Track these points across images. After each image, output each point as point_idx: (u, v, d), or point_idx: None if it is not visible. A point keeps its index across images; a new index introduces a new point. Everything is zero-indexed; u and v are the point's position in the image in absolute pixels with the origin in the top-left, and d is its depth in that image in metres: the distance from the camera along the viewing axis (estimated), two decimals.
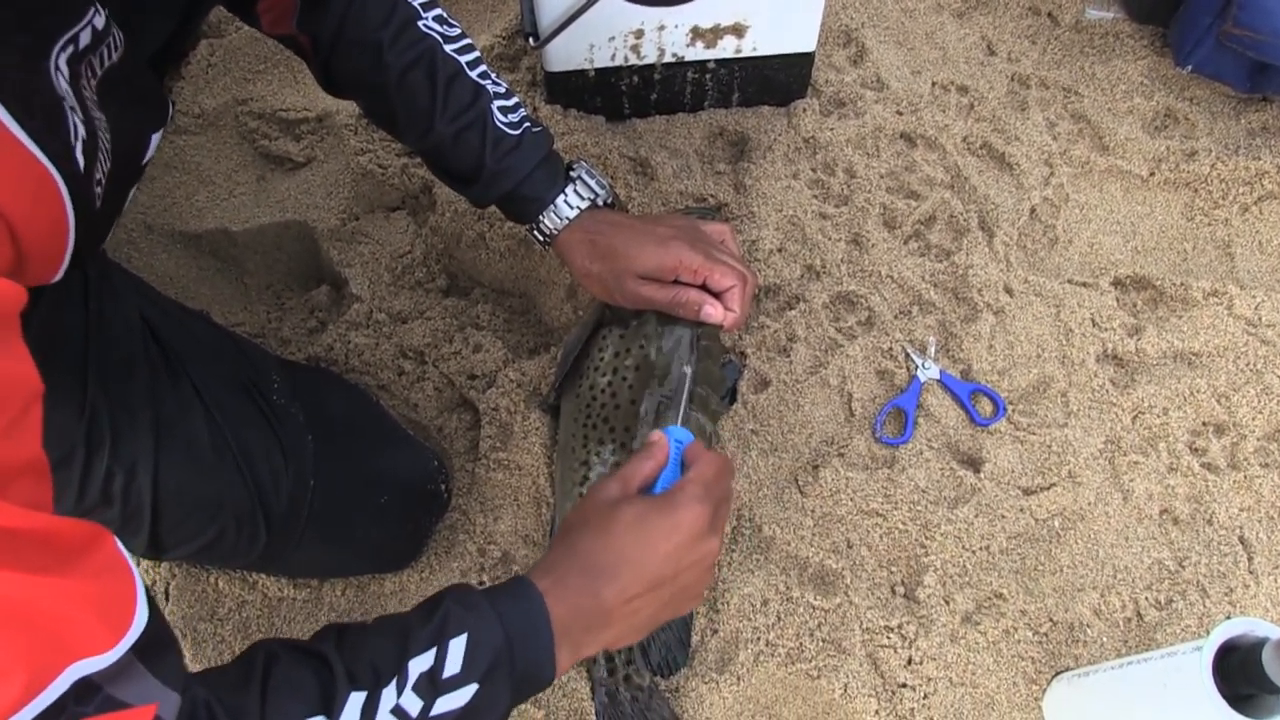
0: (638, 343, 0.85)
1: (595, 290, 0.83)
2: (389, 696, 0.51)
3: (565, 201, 0.80)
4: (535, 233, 0.82)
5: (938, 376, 0.96)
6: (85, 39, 0.51)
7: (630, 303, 0.81)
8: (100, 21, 0.52)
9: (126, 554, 0.45)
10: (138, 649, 0.43)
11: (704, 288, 0.80)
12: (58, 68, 0.49)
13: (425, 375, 0.98)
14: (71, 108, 0.49)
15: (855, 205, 1.05)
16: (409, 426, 0.94)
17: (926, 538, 0.88)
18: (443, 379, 0.97)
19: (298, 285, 1.08)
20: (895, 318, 1.00)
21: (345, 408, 0.90)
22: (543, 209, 0.81)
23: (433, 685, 0.52)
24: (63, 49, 0.49)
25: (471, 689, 0.53)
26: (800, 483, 0.91)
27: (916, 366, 0.96)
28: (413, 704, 0.51)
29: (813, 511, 0.90)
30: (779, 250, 1.02)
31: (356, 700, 0.50)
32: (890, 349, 0.98)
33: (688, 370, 0.80)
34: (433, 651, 0.53)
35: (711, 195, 1.05)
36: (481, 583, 0.89)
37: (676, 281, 0.80)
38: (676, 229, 0.80)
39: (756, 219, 1.03)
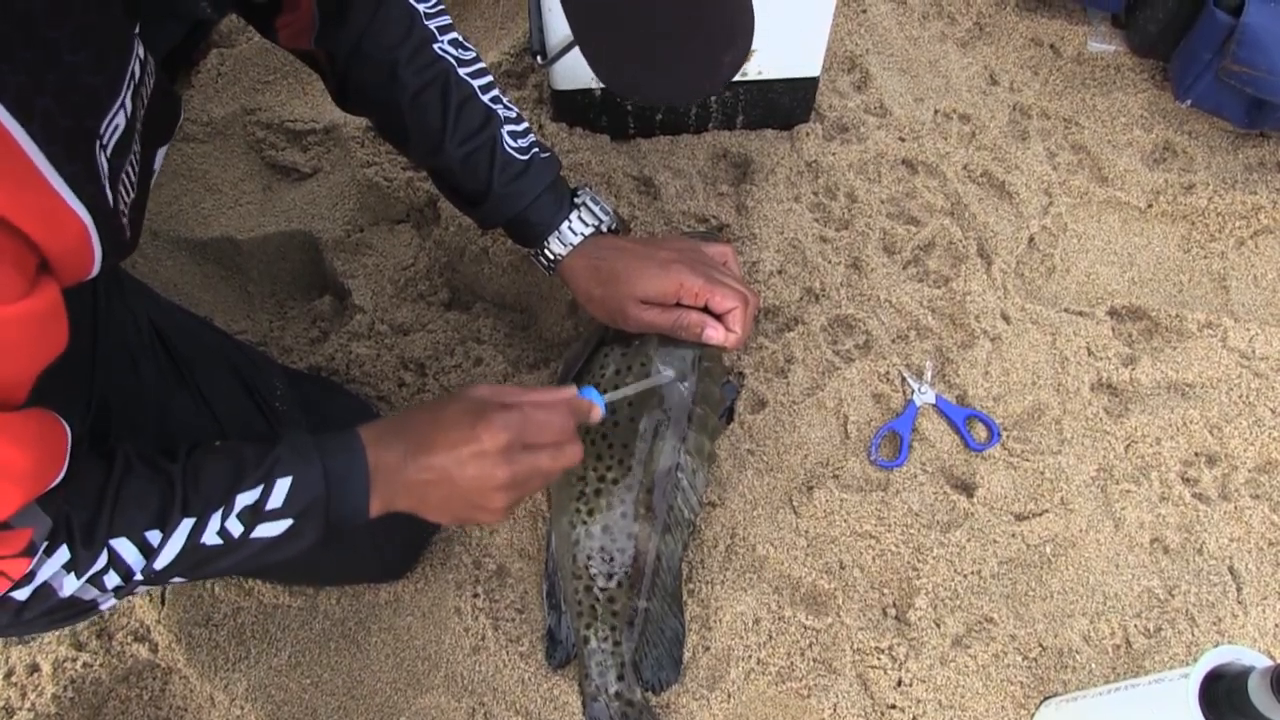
0: (638, 361, 0.86)
1: (599, 315, 0.84)
2: (214, 521, 0.60)
3: (569, 228, 0.82)
4: (539, 258, 0.84)
5: (933, 401, 0.97)
6: (137, 71, 0.53)
7: (633, 327, 0.82)
8: (141, 50, 0.54)
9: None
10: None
11: (706, 309, 0.82)
12: (123, 106, 0.51)
13: (426, 387, 0.99)
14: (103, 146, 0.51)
15: (855, 229, 1.07)
16: None
17: (919, 561, 0.90)
18: (443, 391, 0.98)
19: (301, 295, 1.10)
20: (893, 342, 1.02)
21: (346, 417, 0.91)
22: (547, 234, 0.82)
23: (254, 515, 0.61)
24: (127, 87, 0.52)
25: (288, 522, 0.62)
26: (794, 503, 0.93)
27: (912, 391, 0.98)
28: (235, 527, 0.61)
29: (806, 532, 0.91)
30: (779, 272, 1.04)
31: (187, 524, 0.60)
32: (887, 373, 0.99)
33: (687, 390, 0.82)
34: (260, 488, 0.61)
35: (714, 216, 1.07)
36: (476, 596, 0.90)
37: (678, 305, 0.82)
38: (678, 252, 0.82)
39: (758, 241, 1.05)
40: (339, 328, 1.02)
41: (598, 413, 0.75)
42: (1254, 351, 1.03)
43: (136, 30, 0.53)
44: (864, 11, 1.25)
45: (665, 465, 0.84)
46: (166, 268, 1.08)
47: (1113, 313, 1.06)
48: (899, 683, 0.85)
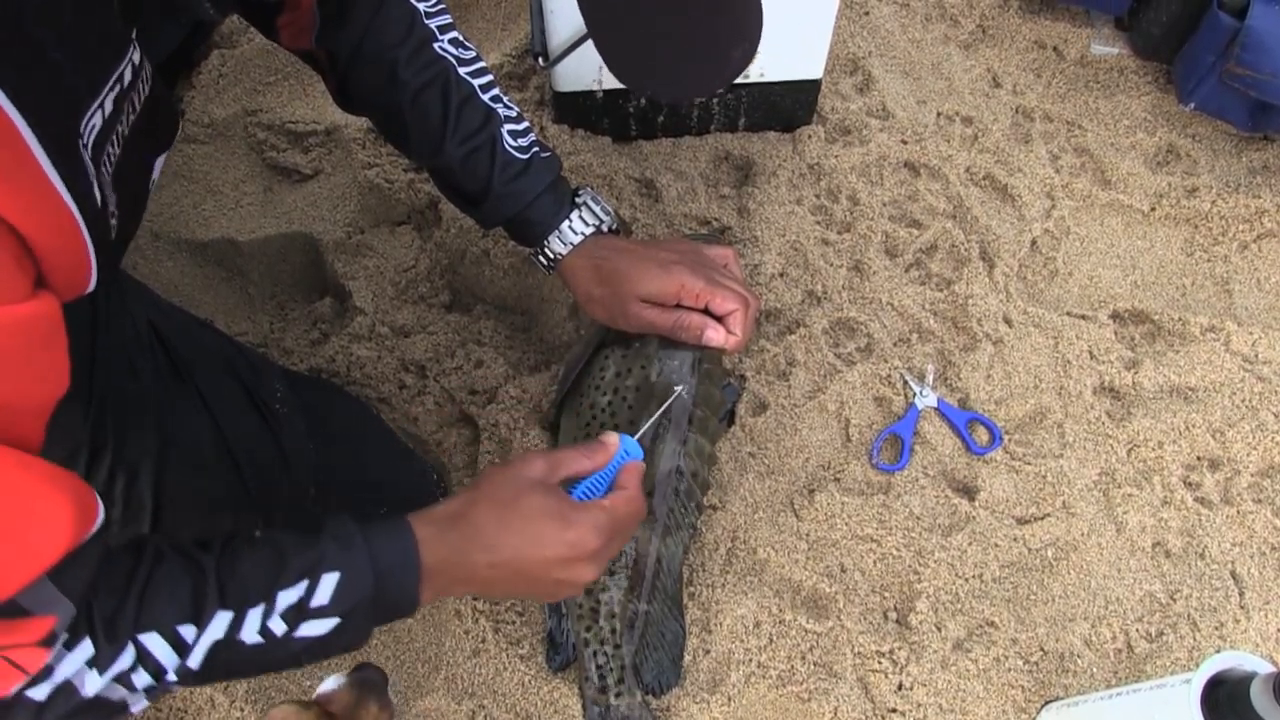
0: (639, 363, 0.87)
1: (598, 315, 0.84)
2: (255, 617, 0.55)
3: (570, 227, 0.82)
4: (540, 257, 0.84)
5: (935, 404, 0.98)
6: (128, 76, 0.53)
7: (633, 327, 0.82)
8: (137, 56, 0.54)
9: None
10: None
11: (706, 311, 0.82)
12: (101, 107, 0.51)
13: (426, 389, 0.99)
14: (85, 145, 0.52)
15: (857, 232, 1.07)
16: (408, 440, 0.96)
17: (920, 564, 0.90)
18: (443, 393, 0.99)
19: (301, 296, 1.10)
20: (894, 345, 1.02)
21: (346, 419, 0.92)
22: (547, 233, 0.82)
23: (299, 613, 0.56)
24: (110, 89, 0.52)
25: (334, 621, 0.57)
26: (795, 506, 0.93)
27: (914, 394, 0.98)
28: (278, 626, 0.56)
29: (807, 535, 0.91)
30: (781, 275, 1.04)
31: (224, 618, 0.54)
32: (889, 376, 0.99)
33: (686, 393, 0.82)
34: (304, 584, 0.57)
35: (715, 219, 1.07)
36: (477, 599, 0.90)
37: (679, 306, 0.82)
38: (679, 254, 0.82)
39: (759, 243, 1.05)
40: (340, 329, 1.02)
41: (641, 467, 0.72)
42: (1257, 355, 1.03)
43: (133, 34, 0.54)
44: (866, 14, 1.25)
45: (666, 468, 0.84)
46: (167, 269, 1.08)
47: (1115, 316, 1.06)
48: (900, 686, 0.85)
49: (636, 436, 0.74)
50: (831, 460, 0.96)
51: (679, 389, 0.83)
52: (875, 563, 0.91)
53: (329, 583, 0.57)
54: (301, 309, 1.07)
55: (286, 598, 0.56)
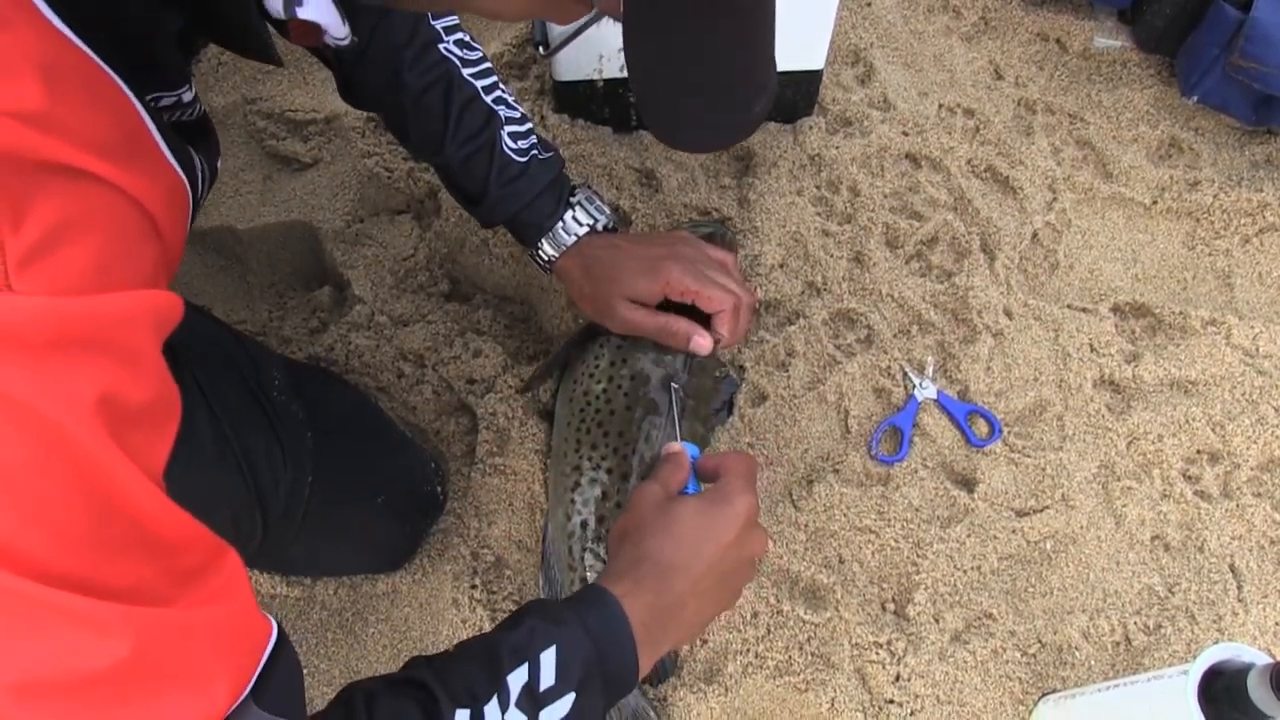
0: (634, 354, 0.87)
1: (591, 315, 0.85)
2: (493, 712, 0.53)
3: (563, 229, 0.83)
4: (535, 257, 0.86)
5: (935, 396, 0.98)
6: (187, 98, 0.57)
7: (620, 328, 0.83)
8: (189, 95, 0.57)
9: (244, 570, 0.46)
10: (258, 694, 0.43)
11: (695, 308, 0.82)
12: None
13: (424, 379, 0.99)
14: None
15: (858, 224, 1.07)
16: (407, 429, 0.96)
17: (918, 556, 0.90)
18: (442, 383, 0.99)
19: (300, 285, 1.10)
20: (894, 337, 1.02)
21: (344, 408, 0.91)
22: (542, 234, 0.84)
23: (533, 699, 0.55)
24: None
25: (570, 698, 0.56)
26: (794, 497, 0.93)
27: (914, 386, 0.98)
28: (518, 719, 0.54)
29: (806, 526, 0.92)
30: (781, 266, 1.04)
31: (462, 717, 0.52)
32: (888, 368, 1.00)
33: (678, 384, 0.83)
34: (525, 666, 0.55)
35: (715, 209, 1.07)
36: (474, 588, 0.90)
37: (669, 304, 0.82)
38: (670, 250, 0.82)
39: (759, 234, 1.05)
40: (338, 318, 1.02)
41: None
42: (1258, 349, 1.03)
43: (190, 67, 0.56)
44: (868, 4, 1.25)
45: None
46: None
47: (1116, 309, 1.06)
48: (897, 678, 0.85)
49: (668, 440, 0.79)
50: (830, 451, 0.96)
51: (677, 387, 0.84)
52: (874, 554, 0.91)
53: (549, 659, 0.56)
54: (300, 297, 1.07)
55: (515, 682, 0.55)
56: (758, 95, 0.56)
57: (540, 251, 0.85)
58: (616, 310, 0.82)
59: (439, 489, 0.93)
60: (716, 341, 0.82)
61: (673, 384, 0.85)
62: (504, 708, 0.54)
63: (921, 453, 0.96)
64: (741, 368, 0.99)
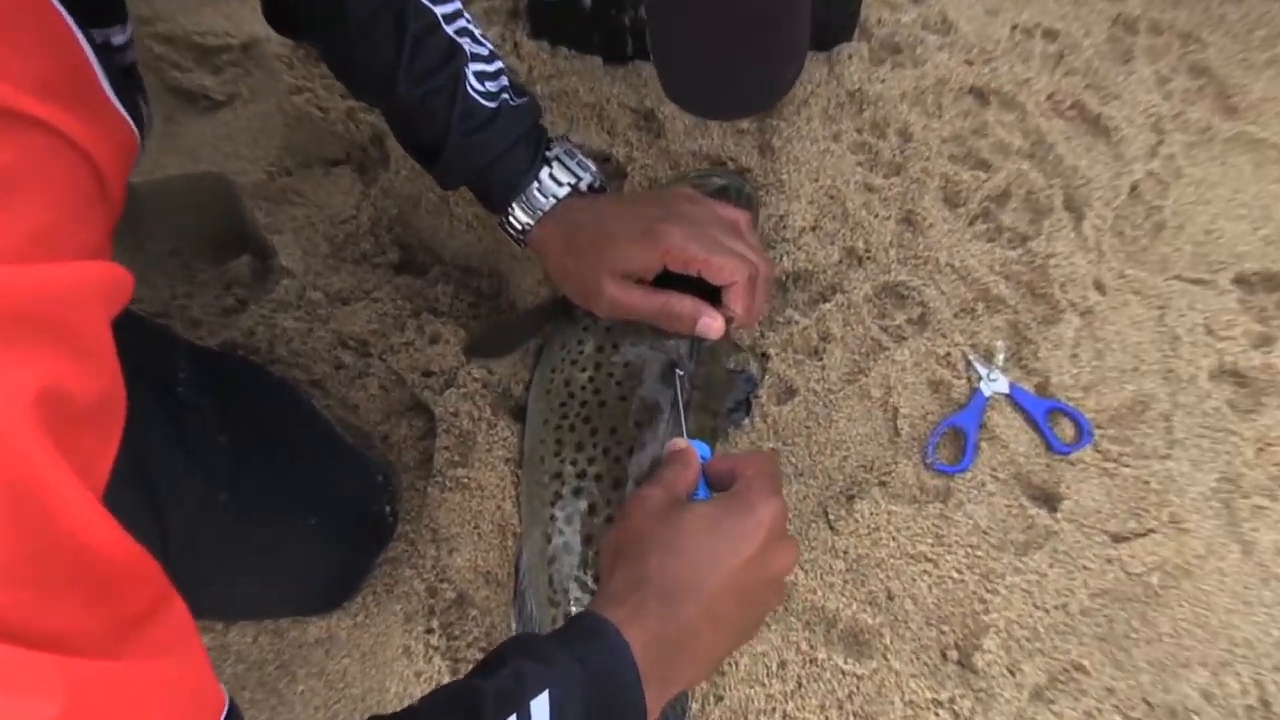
0: (628, 339, 0.87)
1: (575, 296, 0.85)
2: None
3: (538, 190, 0.83)
4: (506, 225, 0.86)
5: (1006, 390, 0.97)
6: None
7: (609, 312, 0.83)
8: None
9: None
10: None
11: (701, 283, 0.82)
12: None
13: (369, 370, 1.00)
14: None
15: (910, 176, 1.07)
16: (347, 433, 0.96)
17: (987, 590, 0.90)
18: (391, 376, 1.00)
19: (212, 254, 1.09)
20: (955, 316, 1.01)
21: (268, 407, 0.92)
22: (514, 197, 0.83)
23: None
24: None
25: None
26: (830, 517, 0.93)
27: (980, 377, 0.98)
28: None
29: (845, 553, 0.91)
30: (812, 229, 1.04)
31: None
32: (948, 355, 0.99)
33: (682, 372, 0.82)
34: (513, 718, 0.56)
35: (730, 159, 1.07)
36: (430, 632, 0.91)
37: (670, 279, 0.82)
38: (669, 210, 0.82)
39: (786, 189, 1.05)
40: (260, 296, 1.02)
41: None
42: None
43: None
44: None
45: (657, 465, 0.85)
46: None
47: (1240, 281, 1.05)
48: None
49: (674, 436, 0.80)
50: (876, 459, 0.96)
51: (680, 373, 0.84)
52: (931, 588, 0.90)
53: (541, 708, 0.57)
54: (212, 270, 1.07)
55: None
56: (789, 59, 0.57)
57: (511, 218, 0.85)
58: (604, 290, 0.81)
59: (387, 508, 0.93)
60: (729, 321, 0.82)
61: (677, 371, 0.85)
62: None
63: (990, 461, 0.95)
64: (764, 356, 0.99)
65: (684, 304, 0.81)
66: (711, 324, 0.81)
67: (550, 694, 0.57)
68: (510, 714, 0.56)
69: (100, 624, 0.40)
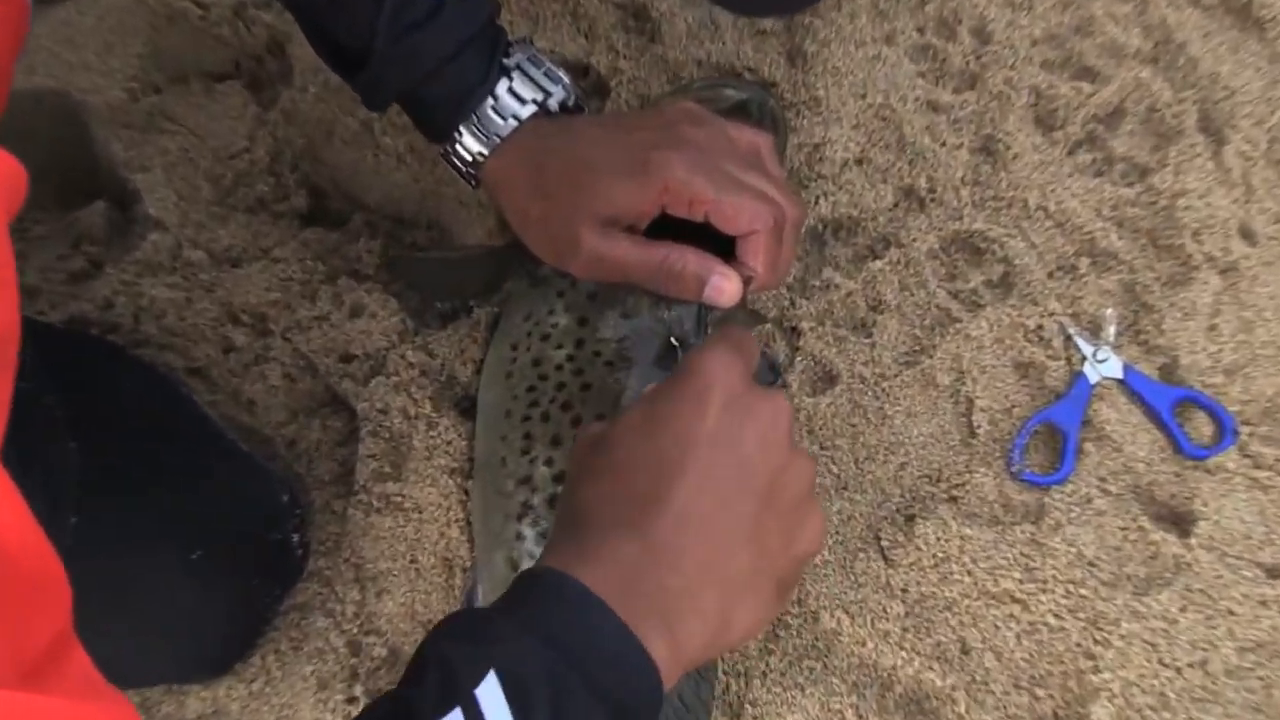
0: (615, 309, 0.88)
1: (543, 252, 0.85)
2: None
3: (494, 108, 0.83)
4: (453, 157, 0.86)
5: (1120, 375, 0.97)
6: None
7: (589, 273, 0.83)
8: None
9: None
10: None
11: (708, 232, 0.81)
12: None
13: (269, 354, 1.00)
14: None
15: (989, 89, 1.07)
16: (239, 437, 0.96)
17: (1096, 642, 0.89)
18: (298, 361, 1.00)
19: (54, 199, 1.09)
20: (1050, 277, 1.01)
21: (132, 403, 0.92)
22: (461, 119, 0.83)
23: None
24: None
25: None
26: (884, 544, 0.93)
27: (1084, 358, 0.98)
28: None
29: (904, 591, 0.91)
30: (859, 161, 1.04)
31: None
32: (1040, 328, 0.99)
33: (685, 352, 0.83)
34: (457, 712, 0.56)
35: (749, 69, 1.06)
36: (351, 701, 0.91)
37: (669, 226, 0.81)
38: (667, 134, 0.82)
39: (823, 110, 1.05)
40: (121, 255, 1.02)
41: None
42: None
43: None
44: None
45: None
46: None
47: None
48: None
49: None
50: (944, 467, 0.96)
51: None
52: (1019, 639, 0.90)
53: (491, 692, 0.56)
54: (54, 221, 1.07)
55: None
56: None
57: (459, 147, 0.84)
58: (582, 242, 0.81)
59: (294, 537, 0.93)
60: (747, 283, 0.81)
61: (679, 352, 0.84)
62: None
63: (1098, 468, 0.95)
64: (794, 331, 0.99)
65: (687, 260, 0.80)
66: (724, 285, 0.80)
67: (498, 673, 0.57)
68: (453, 708, 0.56)
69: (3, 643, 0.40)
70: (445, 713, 0.55)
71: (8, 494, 0.41)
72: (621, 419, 0.70)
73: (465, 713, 0.55)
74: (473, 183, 0.86)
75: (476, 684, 0.56)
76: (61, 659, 0.43)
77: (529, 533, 0.86)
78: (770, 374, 0.96)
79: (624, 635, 0.60)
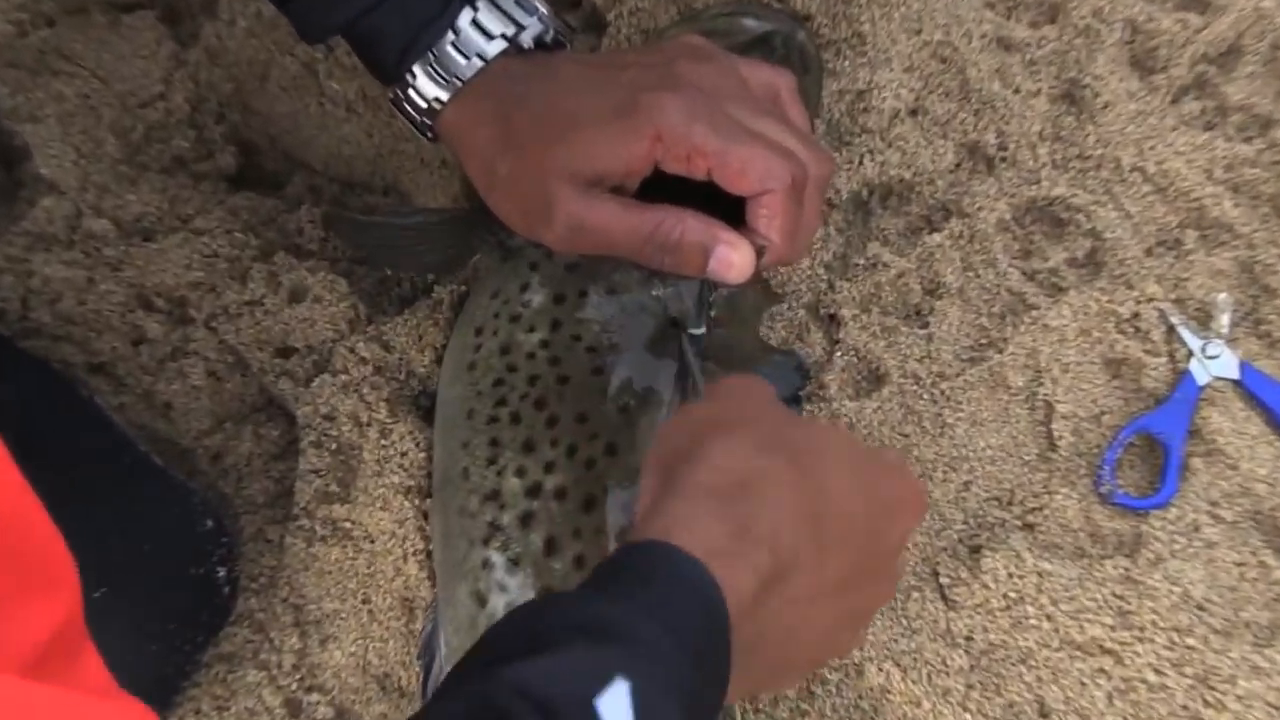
0: (600, 285, 0.88)
1: (511, 218, 0.86)
2: None
3: (455, 45, 0.84)
4: (404, 102, 0.87)
5: (1235, 375, 0.97)
6: None
7: (568, 243, 0.84)
8: None
9: None
10: None
11: (714, 195, 0.81)
12: None
13: (189, 347, 1.01)
14: None
15: (1073, 23, 1.07)
16: (153, 449, 0.96)
17: (1208, 703, 0.89)
18: (226, 356, 1.01)
19: None
20: (1148, 254, 1.02)
21: (19, 407, 0.92)
22: (415, 56, 0.85)
23: None
24: None
25: None
26: (943, 580, 0.93)
27: (1190, 353, 0.98)
28: None
29: (968, 640, 0.92)
30: (912, 113, 1.05)
31: None
32: (1136, 316, 0.99)
33: (697, 334, 0.84)
34: None
35: None
36: None
37: (664, 185, 0.81)
38: (661, 72, 0.83)
39: (869, 48, 1.05)
40: (5, 225, 1.03)
41: None
42: None
43: None
44: None
45: None
46: None
47: None
48: None
49: None
50: (1017, 487, 0.96)
51: (690, 335, 0.84)
52: (1111, 698, 0.90)
53: (616, 708, 0.56)
54: None
55: None
56: None
57: (412, 91, 0.85)
58: (558, 205, 0.81)
59: (220, 571, 0.93)
60: (760, 255, 0.81)
61: (684, 336, 0.84)
62: None
63: (1208, 489, 0.95)
64: (832, 319, 1.00)
65: (686, 225, 0.81)
66: (731, 257, 0.81)
67: (631, 685, 0.56)
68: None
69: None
70: None
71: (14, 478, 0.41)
72: (838, 445, 0.72)
73: None
74: (428, 135, 0.88)
75: (598, 692, 0.56)
76: (74, 656, 0.46)
77: (498, 559, 0.86)
78: (798, 374, 0.96)
79: (726, 651, 0.62)
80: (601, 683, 0.55)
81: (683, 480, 0.67)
